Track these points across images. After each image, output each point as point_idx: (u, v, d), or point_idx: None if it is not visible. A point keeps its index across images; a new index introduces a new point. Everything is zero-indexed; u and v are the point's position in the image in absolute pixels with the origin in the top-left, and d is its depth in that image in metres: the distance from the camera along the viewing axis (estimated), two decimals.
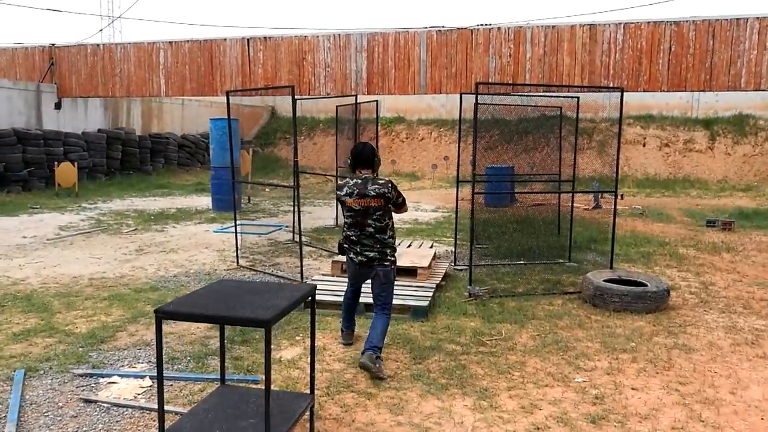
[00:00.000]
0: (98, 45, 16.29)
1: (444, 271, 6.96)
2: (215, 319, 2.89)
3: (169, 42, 15.64)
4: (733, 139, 21.89)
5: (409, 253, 7.07)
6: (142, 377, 4.22)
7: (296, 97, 12.95)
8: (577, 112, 8.57)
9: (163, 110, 21.74)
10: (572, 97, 8.75)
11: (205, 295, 3.14)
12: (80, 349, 4.74)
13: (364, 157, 4.46)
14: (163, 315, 2.85)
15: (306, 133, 26.66)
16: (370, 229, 4.39)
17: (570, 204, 10.20)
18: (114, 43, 16.10)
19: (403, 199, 4.58)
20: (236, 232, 7.80)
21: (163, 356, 3.73)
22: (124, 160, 18.83)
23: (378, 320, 4.47)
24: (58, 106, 17.08)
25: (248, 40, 14.82)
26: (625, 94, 14.27)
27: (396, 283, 5.58)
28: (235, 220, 7.88)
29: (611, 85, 12.52)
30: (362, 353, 4.27)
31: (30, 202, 13.39)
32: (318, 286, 5.94)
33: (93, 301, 6.04)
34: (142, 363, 4.50)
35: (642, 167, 21.38)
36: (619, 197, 16.83)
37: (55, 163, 14.94)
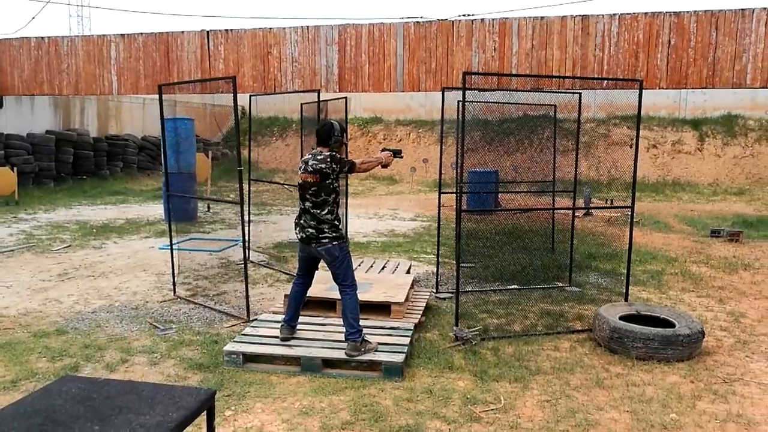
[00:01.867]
0: (43, 38, 14.76)
1: (424, 303, 5.72)
2: None
3: (122, 35, 14.19)
4: (722, 140, 21.04)
5: (381, 282, 5.81)
6: None
7: (252, 94, 11.66)
8: (579, 111, 7.40)
9: (121, 110, 20.20)
10: (573, 93, 7.57)
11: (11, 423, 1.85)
12: None
13: (320, 134, 4.51)
14: None
15: (278, 134, 25.30)
16: (308, 204, 4.43)
17: (565, 213, 9.08)
18: (60, 36, 14.59)
19: (351, 164, 4.51)
20: (172, 254, 6.46)
21: None
22: (77, 164, 17.30)
23: (344, 305, 4.47)
24: None
25: (208, 32, 13.45)
26: (613, 92, 13.20)
27: (365, 324, 4.45)
28: (171, 238, 6.55)
29: (604, 83, 11.40)
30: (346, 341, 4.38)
31: None
32: (261, 332, 4.69)
33: None
34: None
35: (630, 170, 20.37)
36: (608, 202, 15.86)
37: None
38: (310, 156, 4.48)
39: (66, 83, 14.63)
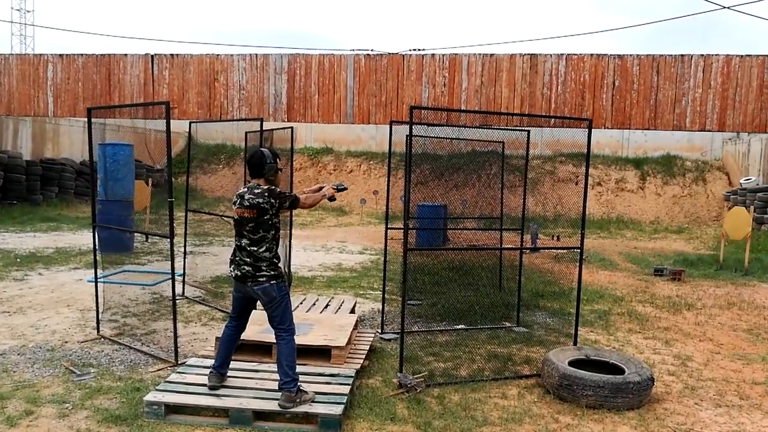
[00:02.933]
0: None
1: (368, 346, 5.42)
2: None
3: (60, 55, 13.60)
4: (662, 180, 21.73)
5: (322, 323, 5.49)
6: None
7: (193, 120, 11.28)
8: (527, 148, 7.36)
9: (59, 132, 19.35)
10: (521, 130, 7.53)
11: None
12: None
13: (252, 164, 4.17)
14: None
15: (225, 161, 24.76)
16: (245, 241, 4.14)
17: (513, 250, 8.99)
18: None
19: (293, 199, 4.22)
20: (96, 289, 5.97)
21: None
22: (7, 188, 16.36)
23: (279, 352, 4.12)
24: None
25: (152, 56, 13.03)
26: (561, 130, 13.38)
27: (302, 371, 4.13)
28: (96, 271, 6.06)
29: (552, 120, 11.53)
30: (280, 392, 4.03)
31: None
32: (187, 379, 4.30)
33: None
34: None
35: (575, 206, 20.77)
36: (555, 238, 16.01)
37: None
38: (246, 189, 4.16)
39: None
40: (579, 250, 5.53)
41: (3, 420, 3.93)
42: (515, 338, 6.33)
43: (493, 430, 4.08)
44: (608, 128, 11.55)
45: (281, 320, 4.16)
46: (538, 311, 7.63)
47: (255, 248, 4.10)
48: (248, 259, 4.11)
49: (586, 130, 6.00)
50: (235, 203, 4.18)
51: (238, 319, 4.36)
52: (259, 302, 4.27)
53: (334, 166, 24.07)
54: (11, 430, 3.80)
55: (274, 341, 4.55)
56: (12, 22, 31.22)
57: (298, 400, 4.01)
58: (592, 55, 11.49)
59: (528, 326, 6.83)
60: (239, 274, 4.16)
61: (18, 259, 9.82)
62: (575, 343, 5.61)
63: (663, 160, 22.59)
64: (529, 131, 7.26)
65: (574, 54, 11.57)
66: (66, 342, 5.66)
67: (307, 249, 12.42)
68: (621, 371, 4.78)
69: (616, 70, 11.36)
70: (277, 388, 4.11)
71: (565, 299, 8.22)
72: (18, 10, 31.75)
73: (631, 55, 11.33)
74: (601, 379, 4.49)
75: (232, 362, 4.42)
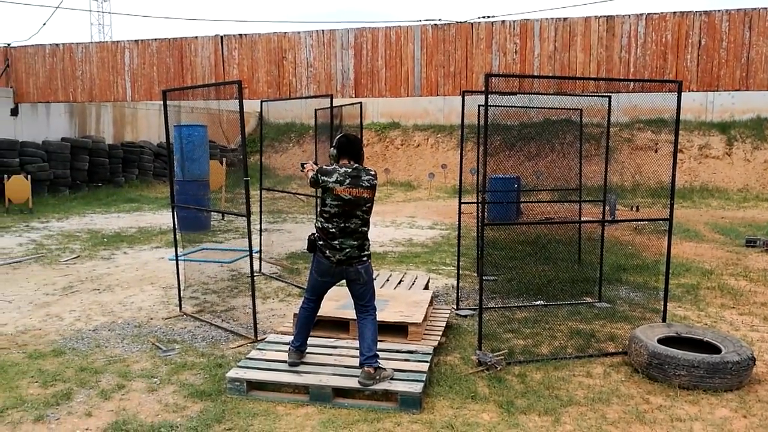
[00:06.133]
0: (57, 45, 14.66)
1: (444, 322, 5.33)
2: None
3: (135, 41, 14.02)
4: (752, 144, 20.33)
5: (398, 299, 5.43)
6: None
7: (264, 99, 11.39)
8: (608, 115, 6.96)
9: (137, 117, 20.10)
10: (601, 96, 7.14)
11: None
12: None
13: (356, 148, 4.21)
14: None
15: (295, 139, 25.07)
16: (358, 221, 4.10)
17: (595, 223, 8.64)
18: (74, 43, 14.47)
19: None
20: (177, 268, 6.15)
21: None
22: (92, 171, 17.17)
23: (365, 327, 4.13)
24: (14, 112, 15.41)
25: (222, 37, 13.22)
26: (636, 95, 12.67)
27: (380, 347, 4.12)
28: (177, 252, 6.24)
29: (631, 85, 10.91)
30: (360, 368, 4.01)
31: None
32: (267, 356, 4.35)
33: None
34: None
35: (655, 175, 19.78)
36: (634, 209, 15.32)
37: (5, 176, 13.29)
38: (352, 170, 4.10)
39: (80, 90, 14.49)
40: (668, 221, 5.19)
41: (98, 393, 4.10)
42: (598, 314, 6.07)
43: (579, 410, 3.92)
44: (693, 91, 10.83)
45: (370, 300, 4.21)
46: (620, 286, 7.30)
47: (365, 228, 4.17)
48: (355, 242, 4.10)
49: (670, 93, 5.60)
50: (342, 182, 4.05)
51: (317, 300, 4.38)
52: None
53: (401, 141, 23.92)
54: (105, 403, 3.96)
55: (352, 317, 4.56)
56: (90, 10, 32.58)
57: (377, 377, 3.98)
58: (674, 13, 10.75)
59: (611, 301, 6.54)
60: (343, 258, 4.09)
61: (105, 239, 10.30)
62: (664, 320, 5.31)
63: (753, 124, 21.09)
64: (610, 97, 6.86)
65: (655, 13, 10.86)
66: (151, 318, 5.87)
67: (377, 224, 12.41)
68: (716, 350, 4.48)
69: (702, 28, 10.59)
70: (356, 365, 4.10)
71: (648, 273, 7.83)
72: (96, 0, 33.10)
73: (719, 10, 10.51)
74: (696, 359, 4.21)
75: (309, 338, 4.44)
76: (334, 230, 4.08)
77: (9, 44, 15.17)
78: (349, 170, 4.09)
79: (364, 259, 4.16)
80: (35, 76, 14.93)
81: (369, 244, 4.22)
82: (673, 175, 5.18)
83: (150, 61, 13.82)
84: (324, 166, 4.18)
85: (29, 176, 13.51)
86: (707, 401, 4.03)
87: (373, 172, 4.16)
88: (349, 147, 4.18)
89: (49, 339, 5.24)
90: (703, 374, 4.17)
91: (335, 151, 4.20)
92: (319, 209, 4.22)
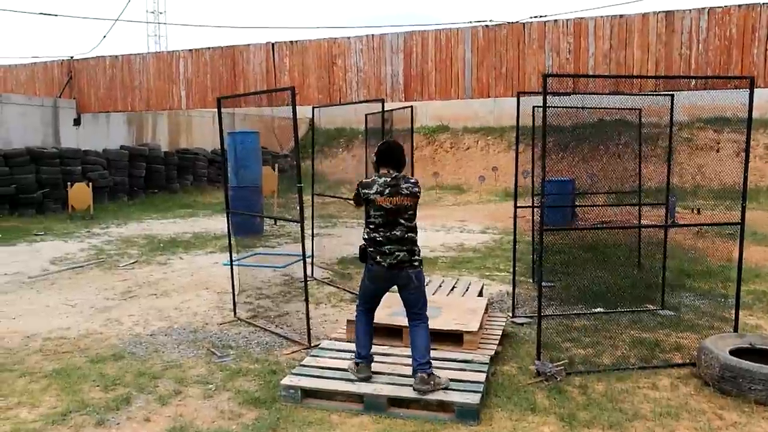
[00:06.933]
0: (116, 56, 15.18)
1: (500, 330, 5.19)
2: None
3: (189, 50, 14.37)
4: None
5: (451, 306, 5.32)
6: None
7: (315, 105, 11.45)
8: (671, 114, 6.66)
9: (192, 124, 20.63)
10: (664, 95, 6.85)
11: None
12: None
13: (396, 156, 4.19)
14: None
15: (344, 145, 25.22)
16: (402, 228, 4.11)
17: (658, 228, 8.31)
18: (132, 54, 14.95)
19: None
20: (232, 274, 6.21)
21: None
22: (149, 178, 17.70)
23: (417, 334, 4.10)
24: (77, 122, 16.06)
25: (273, 44, 13.39)
26: (697, 93, 12.11)
27: (434, 356, 4.01)
28: (231, 257, 6.30)
29: (692, 82, 10.47)
30: (413, 376, 3.96)
31: (36, 227, 12.23)
32: (321, 362, 4.32)
33: (29, 378, 4.54)
34: None
35: (718, 176, 18.96)
36: (695, 212, 14.71)
37: (69, 183, 13.81)
38: (391, 179, 4.10)
39: (138, 99, 14.96)
40: (740, 225, 4.91)
41: (156, 398, 4.15)
42: (661, 322, 5.81)
43: (646, 424, 3.72)
44: (761, 87, 10.30)
45: (422, 307, 4.16)
46: (684, 292, 6.98)
47: (412, 234, 4.15)
48: (404, 247, 4.10)
49: (737, 90, 5.31)
50: (382, 192, 4.08)
51: (372, 309, 4.35)
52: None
53: (450, 144, 23.75)
54: (163, 409, 4.01)
55: (405, 324, 4.47)
56: (147, 22, 33.68)
57: (432, 383, 3.90)
58: (740, 6, 10.26)
59: (675, 309, 6.25)
60: (394, 262, 4.09)
61: (161, 245, 10.55)
62: (736, 330, 5.03)
63: None
64: (672, 95, 6.56)
65: (718, 7, 10.40)
66: (206, 324, 5.94)
67: (427, 229, 12.29)
68: None
69: None
70: (410, 373, 4.02)
71: (714, 279, 7.47)
72: (152, 12, 34.18)
73: None
74: None
75: None
76: (381, 239, 4.11)
77: (72, 57, 15.81)
78: (389, 179, 4.12)
79: (416, 264, 4.15)
80: (96, 86, 15.51)
81: (419, 250, 4.20)
82: (745, 177, 4.92)
83: (204, 70, 14.13)
84: (363, 180, 4.24)
85: (90, 183, 14.00)
86: None
87: (413, 180, 4.17)
88: (390, 155, 4.18)
89: (110, 343, 5.36)
90: None
91: (375, 158, 4.22)
92: (365, 220, 4.21)
